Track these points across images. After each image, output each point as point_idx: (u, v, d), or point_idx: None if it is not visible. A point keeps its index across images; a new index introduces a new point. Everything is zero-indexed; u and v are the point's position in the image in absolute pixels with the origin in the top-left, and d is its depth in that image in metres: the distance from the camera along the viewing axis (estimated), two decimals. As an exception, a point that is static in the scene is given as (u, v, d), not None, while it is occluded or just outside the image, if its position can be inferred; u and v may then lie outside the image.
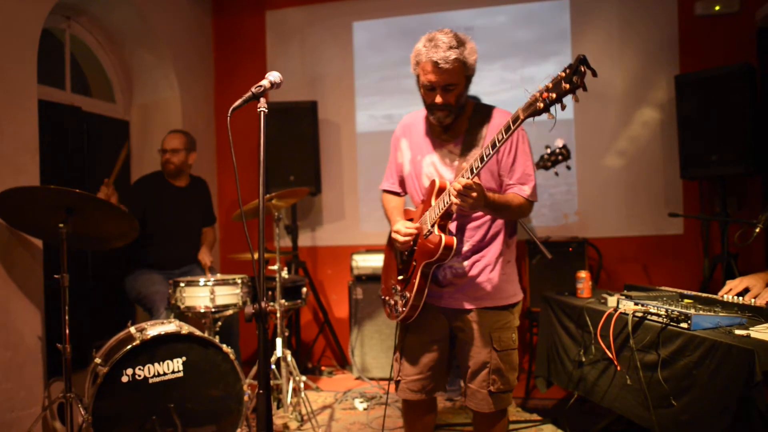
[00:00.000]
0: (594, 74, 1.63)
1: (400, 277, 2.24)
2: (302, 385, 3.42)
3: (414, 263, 2.17)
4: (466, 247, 2.19)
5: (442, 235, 2.05)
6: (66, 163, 3.79)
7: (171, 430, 2.59)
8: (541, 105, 1.71)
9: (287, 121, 4.51)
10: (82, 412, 2.55)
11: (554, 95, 1.67)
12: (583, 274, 2.99)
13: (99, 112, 4.23)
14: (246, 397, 2.82)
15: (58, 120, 3.72)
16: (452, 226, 2.17)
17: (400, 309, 2.21)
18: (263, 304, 1.53)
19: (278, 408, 3.52)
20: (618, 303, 2.50)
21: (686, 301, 2.47)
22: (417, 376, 2.28)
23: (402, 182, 2.39)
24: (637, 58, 4.36)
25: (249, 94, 1.74)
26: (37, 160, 3.18)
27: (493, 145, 1.87)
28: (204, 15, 5.02)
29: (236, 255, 3.86)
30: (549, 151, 3.51)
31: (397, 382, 2.33)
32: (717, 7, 4.15)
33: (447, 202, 2.01)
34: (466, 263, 2.19)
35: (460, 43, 2.03)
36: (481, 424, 2.28)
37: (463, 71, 2.06)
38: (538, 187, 2.21)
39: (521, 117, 1.78)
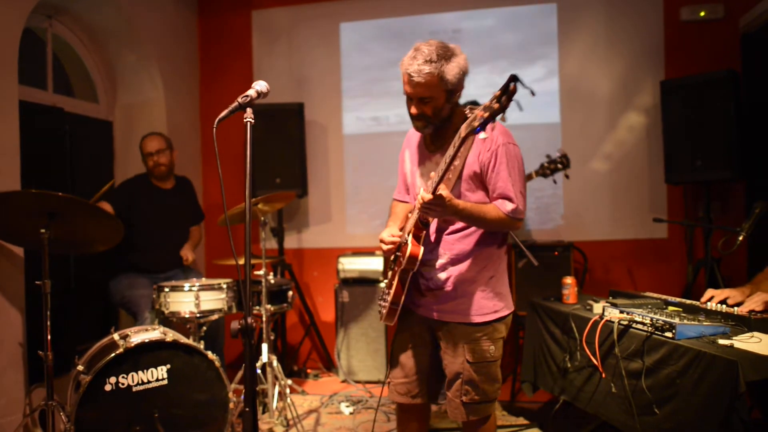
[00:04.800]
0: (532, 93, 1.76)
1: (386, 281, 2.32)
2: (288, 389, 3.40)
3: (396, 269, 2.22)
4: (443, 260, 2.21)
5: (409, 246, 2.10)
6: (48, 165, 3.73)
7: (155, 438, 2.57)
8: (476, 123, 1.79)
9: (274, 122, 4.47)
10: (64, 420, 2.51)
11: (486, 114, 1.76)
12: (569, 280, 3.00)
13: (82, 113, 4.16)
14: (231, 404, 2.80)
15: (39, 121, 3.65)
16: (433, 238, 2.21)
17: (383, 311, 2.28)
18: (249, 320, 1.51)
19: (264, 413, 3.49)
20: (603, 310, 2.51)
21: (671, 308, 2.49)
22: (403, 380, 2.33)
23: (409, 191, 2.42)
24: (623, 63, 4.39)
25: (235, 104, 1.72)
26: (17, 162, 3.13)
27: (446, 160, 1.93)
28: (189, 14, 4.96)
29: (221, 260, 3.82)
30: (549, 159, 3.54)
31: (389, 383, 2.39)
32: (702, 13, 4.19)
33: (417, 214, 2.08)
34: (443, 275, 2.21)
35: (441, 57, 2.01)
36: (466, 429, 2.32)
37: (440, 85, 2.03)
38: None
39: (462, 134, 1.86)
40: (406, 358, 2.32)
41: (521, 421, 3.43)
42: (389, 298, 2.22)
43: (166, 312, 3.18)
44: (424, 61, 2.00)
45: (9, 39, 3.14)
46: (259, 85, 1.79)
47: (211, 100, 5.01)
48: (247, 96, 1.74)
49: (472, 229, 2.19)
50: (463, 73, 2.08)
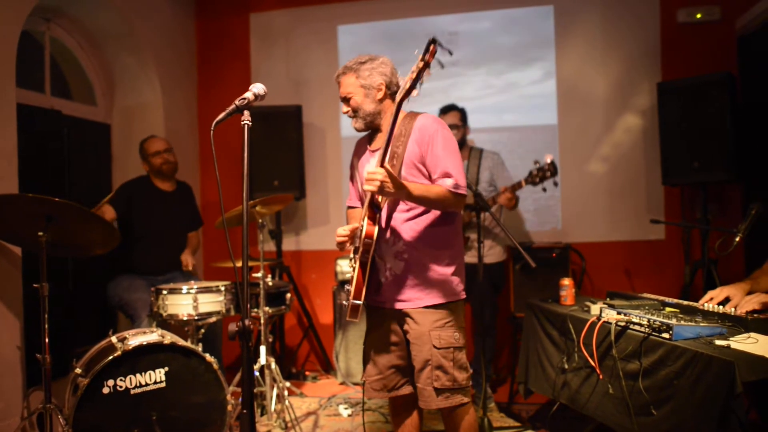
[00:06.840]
0: (449, 53, 1.93)
1: (348, 276, 2.34)
2: (286, 392, 3.40)
3: (356, 257, 2.25)
4: (399, 247, 2.28)
5: (364, 226, 2.16)
6: (46, 167, 3.73)
7: (153, 440, 2.57)
8: (408, 85, 1.99)
9: (272, 125, 4.48)
10: (62, 423, 2.51)
11: (414, 75, 1.98)
12: (566, 281, 3.00)
13: (80, 116, 4.17)
14: (229, 407, 2.80)
15: (37, 124, 3.65)
16: (386, 224, 2.28)
17: (345, 304, 2.27)
18: (247, 322, 1.52)
19: (262, 415, 3.49)
20: (601, 312, 2.51)
21: (668, 309, 2.50)
22: (377, 377, 2.41)
23: (361, 198, 2.51)
24: (620, 65, 4.40)
25: (233, 107, 1.73)
26: (15, 165, 3.13)
27: (388, 133, 2.08)
28: (187, 17, 4.97)
29: (219, 263, 3.83)
30: (537, 166, 3.53)
31: (364, 383, 2.46)
32: (699, 15, 4.21)
33: (368, 197, 2.17)
34: (400, 262, 2.28)
35: (357, 62, 2.29)
36: (447, 423, 2.40)
37: (355, 83, 2.28)
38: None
39: (397, 100, 2.05)
40: (378, 356, 2.40)
41: (518, 423, 3.42)
42: (351, 292, 2.22)
43: (164, 314, 3.18)
44: (344, 67, 2.31)
45: (7, 42, 3.15)
46: (257, 88, 1.80)
47: (209, 103, 5.01)
48: (244, 98, 1.75)
49: (426, 215, 2.28)
50: (380, 72, 2.28)
